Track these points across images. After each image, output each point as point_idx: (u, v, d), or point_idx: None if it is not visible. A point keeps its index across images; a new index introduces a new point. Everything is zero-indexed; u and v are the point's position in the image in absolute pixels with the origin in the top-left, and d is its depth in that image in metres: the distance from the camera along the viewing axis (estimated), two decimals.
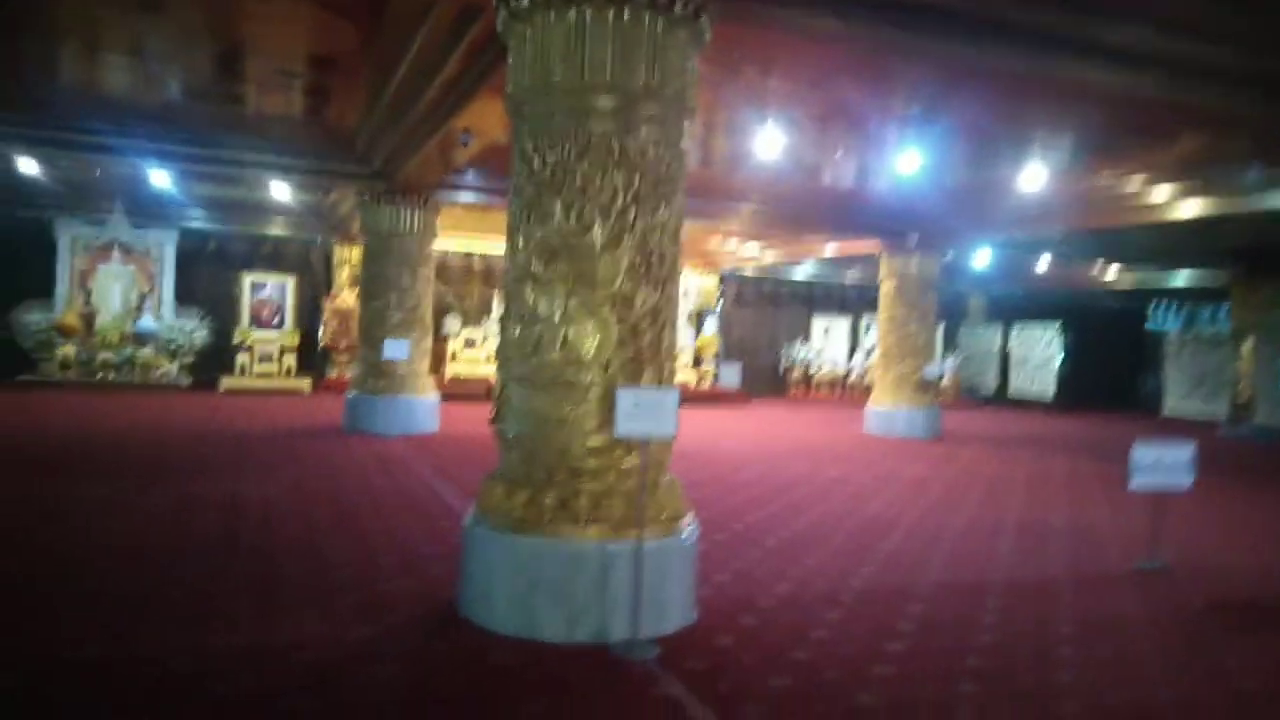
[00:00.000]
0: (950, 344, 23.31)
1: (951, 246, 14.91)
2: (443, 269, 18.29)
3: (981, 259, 17.43)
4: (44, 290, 15.40)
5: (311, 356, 17.60)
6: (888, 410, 13.91)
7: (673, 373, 4.46)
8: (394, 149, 9.93)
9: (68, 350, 14.74)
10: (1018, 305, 23.57)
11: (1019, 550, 6.33)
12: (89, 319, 15.44)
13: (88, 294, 15.66)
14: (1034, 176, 10.16)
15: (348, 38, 7.22)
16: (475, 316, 18.91)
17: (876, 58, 6.87)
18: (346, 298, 17.25)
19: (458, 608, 4.34)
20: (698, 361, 19.85)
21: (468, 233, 17.78)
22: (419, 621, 4.23)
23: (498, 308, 19.00)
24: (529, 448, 4.22)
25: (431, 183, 10.86)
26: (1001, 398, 23.17)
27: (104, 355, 14.87)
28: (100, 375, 14.79)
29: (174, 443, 9.53)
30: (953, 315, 23.16)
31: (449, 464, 8.95)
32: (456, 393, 15.33)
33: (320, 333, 17.77)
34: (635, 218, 4.14)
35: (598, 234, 4.09)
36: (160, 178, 13.23)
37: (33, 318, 14.93)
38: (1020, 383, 22.93)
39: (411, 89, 7.60)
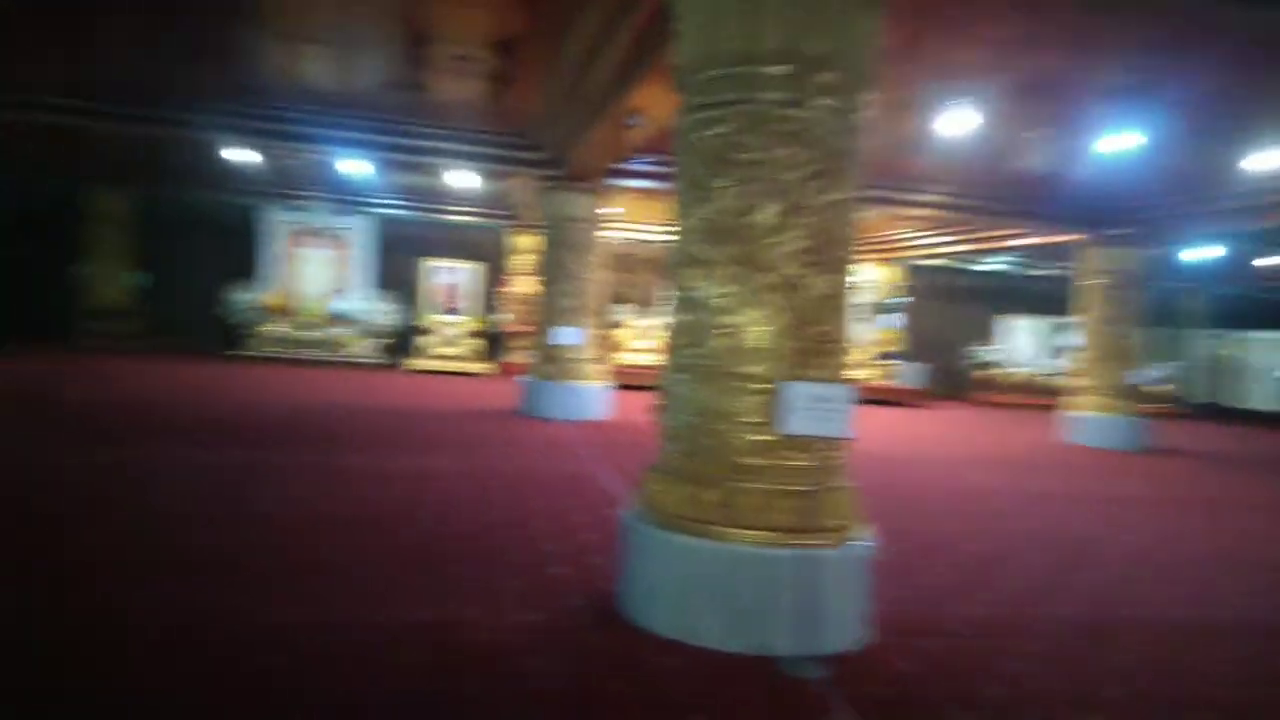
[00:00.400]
0: (1162, 348, 21.16)
1: (1168, 240, 13.43)
2: (614, 257, 18.49)
3: (1201, 254, 15.64)
4: (251, 272, 16.77)
5: (491, 341, 18.24)
6: (1089, 418, 12.71)
7: (845, 367, 4.10)
8: (565, 135, 9.99)
9: (271, 328, 15.97)
10: (1241, 308, 21.07)
11: (1250, 587, 5.49)
12: (290, 299, 16.66)
13: (292, 276, 16.89)
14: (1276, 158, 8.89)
15: (522, 20, 7.25)
16: (645, 305, 18.98)
17: (1087, 19, 6.14)
18: (524, 284, 17.73)
19: (617, 602, 4.19)
20: (877, 358, 19.01)
21: (640, 219, 17.89)
22: (579, 613, 4.11)
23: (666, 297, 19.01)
24: (691, 441, 3.99)
25: (601, 169, 10.85)
26: (1219, 409, 20.81)
27: (303, 334, 16.00)
28: (300, 352, 15.92)
29: (365, 418, 10.03)
30: (1166, 316, 21.01)
31: (615, 452, 8.90)
32: (627, 381, 15.38)
33: (500, 318, 18.39)
34: (807, 197, 3.81)
35: (765, 214, 3.79)
36: (352, 165, 14.06)
37: (240, 297, 16.28)
38: (1241, 393, 20.49)
39: (580, 72, 7.55)
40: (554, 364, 11.24)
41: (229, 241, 17.81)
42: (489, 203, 17.88)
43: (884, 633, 4.03)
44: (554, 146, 10.55)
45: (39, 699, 2.92)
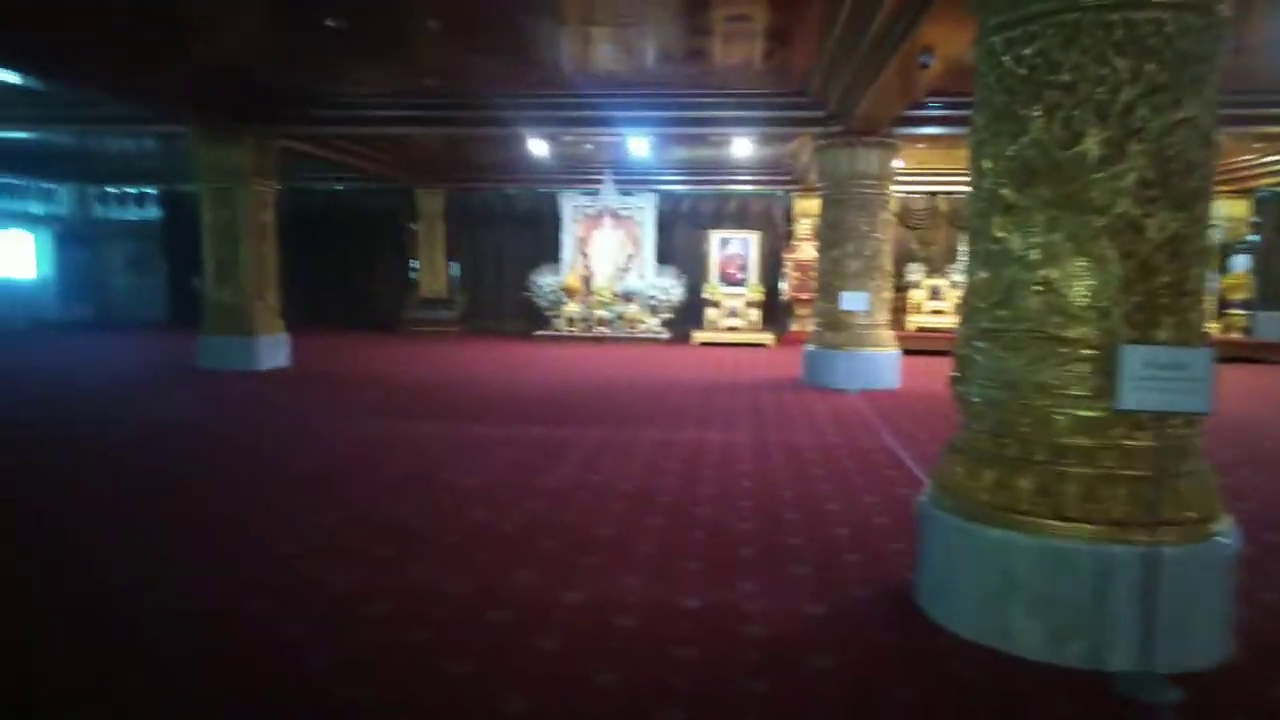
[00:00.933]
0: None
1: None
2: (904, 213, 17.38)
3: None
4: (554, 255, 17.83)
5: (774, 310, 17.99)
6: None
7: (1201, 325, 3.33)
8: (847, 86, 9.36)
9: (571, 308, 16.88)
10: None
11: None
12: (587, 280, 17.51)
13: (586, 258, 17.74)
14: None
15: None
16: (940, 264, 17.68)
17: None
18: (806, 250, 17.23)
19: (914, 596, 3.78)
20: (1223, 308, 16.22)
21: (932, 171, 16.64)
22: (871, 607, 3.76)
23: (964, 252, 17.54)
24: (998, 418, 3.46)
25: (889, 118, 10.07)
26: None
27: (598, 313, 16.73)
28: (596, 330, 16.69)
29: (652, 391, 10.24)
30: None
31: (908, 424, 8.29)
32: (919, 347, 14.43)
33: (782, 286, 18.06)
34: (1147, 117, 3.09)
35: (1092, 143, 3.13)
36: (638, 145, 14.38)
37: (545, 280, 17.35)
38: None
39: (861, 13, 6.96)
40: (840, 330, 10.73)
41: (533, 229, 19.10)
42: (770, 169, 17.56)
43: (1251, 647, 3.26)
44: (836, 101, 9.97)
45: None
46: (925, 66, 6.75)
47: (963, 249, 17.30)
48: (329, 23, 8.04)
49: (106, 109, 10.85)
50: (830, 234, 10.86)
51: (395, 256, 19.76)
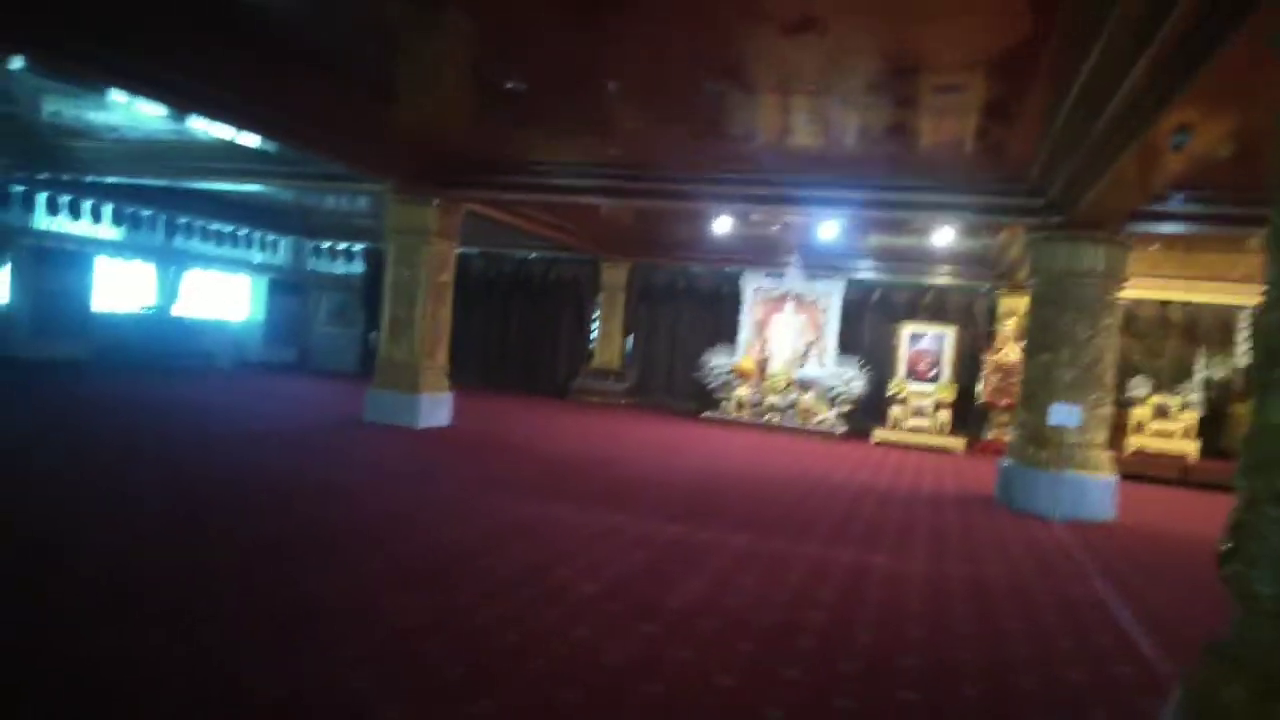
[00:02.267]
0: None
1: None
2: (1129, 320, 15.42)
3: None
4: (730, 337, 17.15)
5: (967, 414, 16.35)
6: None
7: None
8: (1074, 172, 8.17)
9: (742, 392, 16.04)
10: None
11: None
12: (763, 365, 16.66)
13: (764, 341, 16.93)
14: None
15: (1024, 28, 5.86)
16: (1169, 379, 15.47)
17: None
18: (1010, 351, 15.60)
19: None
20: None
21: (1164, 276, 14.67)
22: None
23: (1201, 369, 15.28)
24: None
25: (1121, 212, 8.74)
26: None
27: (771, 399, 15.79)
28: (767, 418, 15.73)
29: (817, 494, 9.19)
30: None
31: (1125, 569, 6.80)
32: (1139, 471, 12.49)
33: (978, 388, 16.42)
34: None
35: None
36: (829, 229, 13.58)
37: (718, 360, 16.65)
38: None
39: (1097, 87, 5.90)
40: (1046, 447, 9.26)
41: (712, 309, 18.60)
42: (970, 262, 16.18)
43: None
44: (1059, 190, 8.78)
45: None
46: (1179, 148, 5.58)
47: (1201, 365, 15.13)
48: (509, 85, 7.88)
49: (322, 168, 11.36)
50: (1040, 337, 9.50)
51: (575, 326, 19.80)
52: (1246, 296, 15.13)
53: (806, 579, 5.71)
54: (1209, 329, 15.71)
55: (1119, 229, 9.12)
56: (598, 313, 19.21)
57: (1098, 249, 9.14)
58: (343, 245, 20.65)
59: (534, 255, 19.86)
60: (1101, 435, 9.39)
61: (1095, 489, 9.17)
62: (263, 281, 20.20)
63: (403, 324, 11.63)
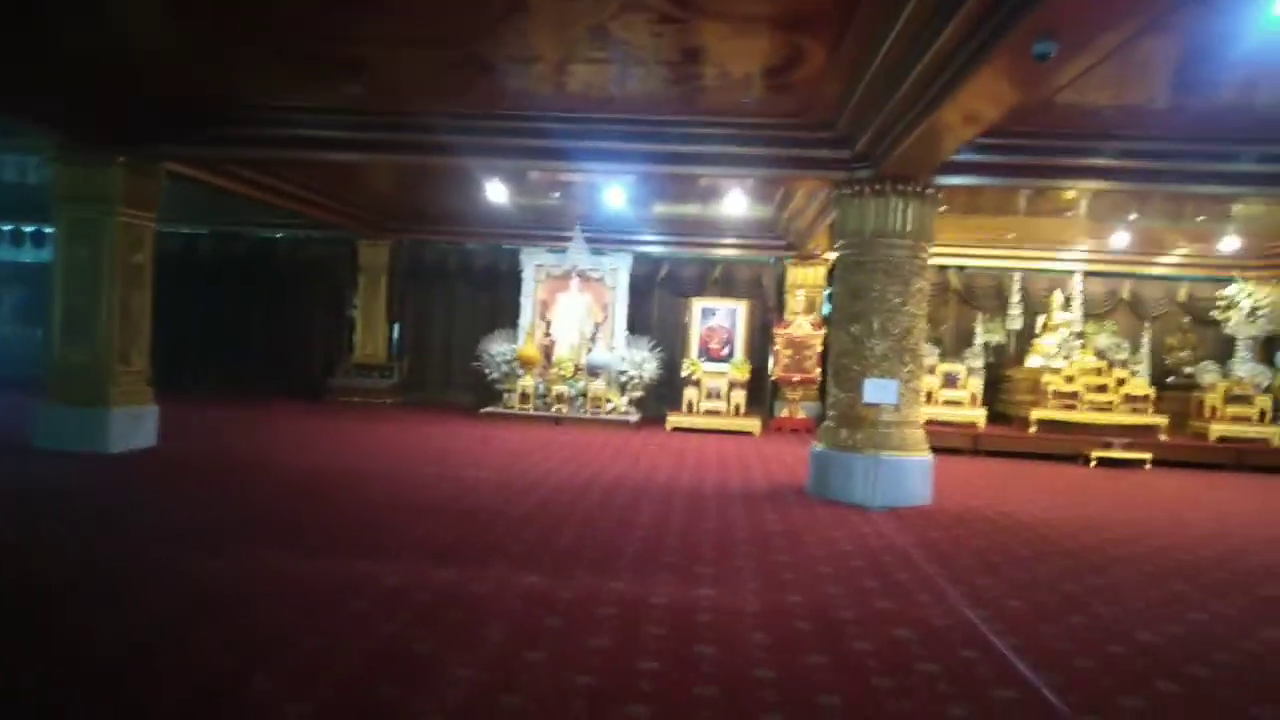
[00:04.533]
0: None
1: None
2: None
3: None
4: (511, 320, 15.45)
5: (760, 392, 15.69)
6: None
7: None
8: (888, 119, 7.24)
9: (526, 382, 14.42)
10: None
11: None
12: (548, 350, 15.12)
13: (547, 324, 15.38)
14: None
15: None
16: (952, 347, 15.58)
17: None
18: (801, 324, 15.06)
19: None
20: (1278, 410, 14.19)
21: (941, 243, 14.65)
22: None
23: (981, 334, 15.47)
24: None
25: (932, 163, 7.96)
26: None
27: (558, 388, 14.29)
28: (554, 409, 14.21)
29: (617, 502, 7.77)
30: None
31: (974, 571, 5.91)
32: (934, 444, 12.18)
33: (770, 365, 15.81)
34: None
35: None
36: (615, 196, 12.22)
37: (498, 348, 14.91)
38: None
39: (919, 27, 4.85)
40: (861, 428, 8.40)
41: (489, 290, 16.80)
42: (758, 232, 15.49)
43: None
44: (869, 138, 7.85)
45: None
46: (1043, 58, 4.55)
47: (980, 331, 15.29)
48: None
49: None
50: (849, 306, 8.60)
51: (331, 315, 17.28)
52: (1018, 260, 15.45)
53: (618, 636, 4.22)
54: (985, 294, 15.97)
55: (928, 181, 8.37)
56: (357, 299, 16.82)
57: (908, 205, 8.33)
58: (29, 227, 16.86)
59: (280, 235, 17.13)
60: (916, 411, 8.68)
61: (914, 471, 8.42)
62: None
63: (81, 318, 8.97)
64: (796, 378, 15.02)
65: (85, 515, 6.34)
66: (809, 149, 8.60)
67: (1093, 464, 11.99)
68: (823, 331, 15.15)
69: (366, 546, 5.75)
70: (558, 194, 13.49)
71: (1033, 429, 12.80)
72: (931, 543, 6.74)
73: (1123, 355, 14.83)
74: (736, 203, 12.45)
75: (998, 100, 6.14)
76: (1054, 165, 8.69)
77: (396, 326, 17.07)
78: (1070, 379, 12.97)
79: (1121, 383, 13.00)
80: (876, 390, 8.11)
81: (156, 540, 5.66)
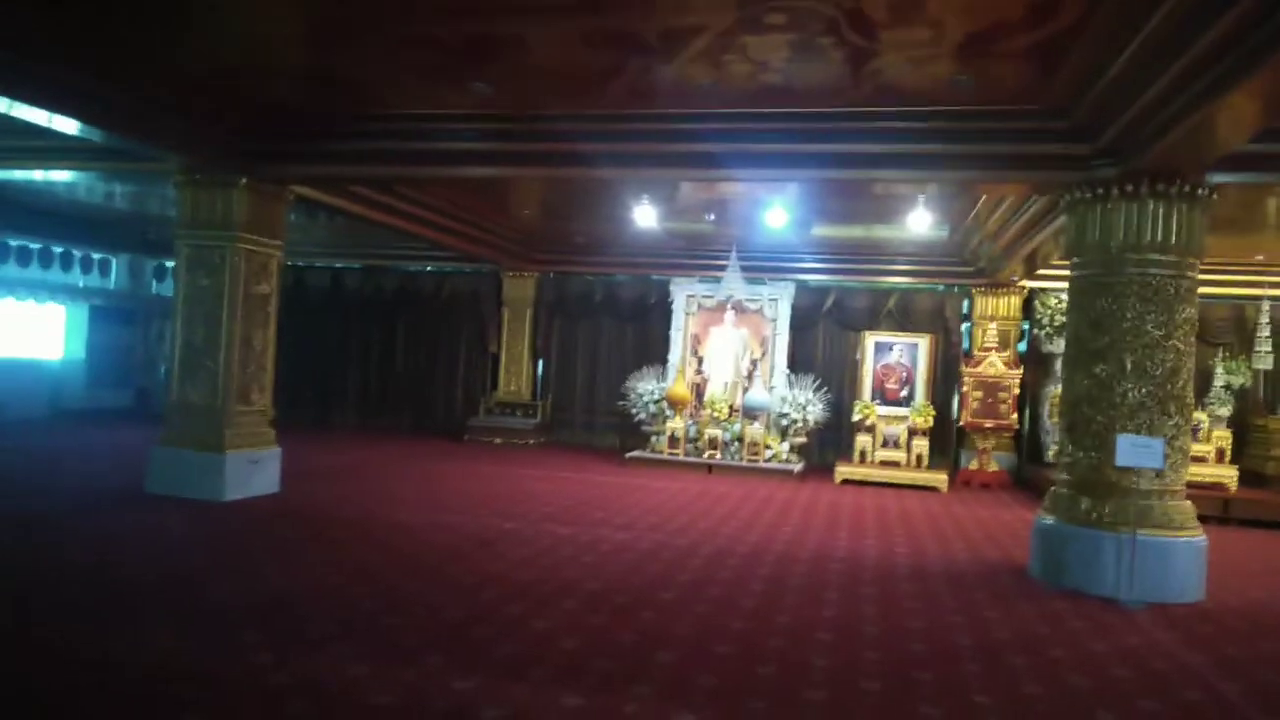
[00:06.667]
0: None
1: None
2: None
3: None
4: (660, 356, 14.18)
5: (943, 441, 13.66)
6: None
7: None
8: (1157, 98, 5.48)
9: (676, 424, 13.04)
10: None
11: None
12: (699, 389, 13.71)
13: (699, 360, 14.00)
14: None
15: None
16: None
17: None
18: (993, 363, 12.99)
19: None
20: None
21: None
22: None
23: (1219, 376, 12.86)
24: None
25: (1210, 156, 6.07)
26: None
27: (711, 431, 12.82)
28: (707, 455, 12.74)
29: (794, 584, 6.21)
30: None
31: (1274, 686, 4.00)
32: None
33: (955, 409, 13.78)
34: None
35: None
36: (777, 216, 10.75)
37: (646, 386, 13.63)
38: None
39: None
40: (1109, 499, 6.47)
41: (636, 323, 15.61)
42: (942, 256, 13.59)
43: None
44: (1120, 128, 6.09)
45: None
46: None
47: (1218, 372, 12.69)
48: None
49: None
50: (1092, 339, 6.71)
51: (475, 351, 16.57)
52: (1265, 287, 12.83)
53: None
54: (1222, 327, 13.35)
55: (1200, 180, 6.44)
56: (502, 334, 16.02)
57: (1172, 210, 6.42)
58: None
59: (429, 268, 16.65)
60: (1183, 478, 6.66)
61: (1184, 556, 6.39)
62: (82, 310, 16.37)
63: (200, 354, 8.31)
64: (989, 424, 12.93)
65: (141, 586, 5.38)
66: (1033, 143, 6.84)
67: None
68: (1019, 371, 13.06)
69: (481, 647, 4.46)
70: (711, 216, 12.14)
71: None
72: (1235, 664, 4.79)
73: None
74: (919, 220, 10.67)
75: None
76: None
77: (540, 363, 16.13)
78: None
79: None
80: (1134, 450, 6.19)
81: (227, 619, 4.59)
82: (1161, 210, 6.39)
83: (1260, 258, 12.05)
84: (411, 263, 16.38)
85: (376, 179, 9.16)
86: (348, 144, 8.07)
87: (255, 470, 8.53)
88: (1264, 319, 12.73)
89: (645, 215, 11.18)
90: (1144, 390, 6.45)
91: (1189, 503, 6.60)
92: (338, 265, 16.77)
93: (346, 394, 16.69)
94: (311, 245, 15.55)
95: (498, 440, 14.90)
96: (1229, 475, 10.80)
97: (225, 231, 8.24)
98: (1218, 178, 6.53)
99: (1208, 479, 10.68)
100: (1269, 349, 12.61)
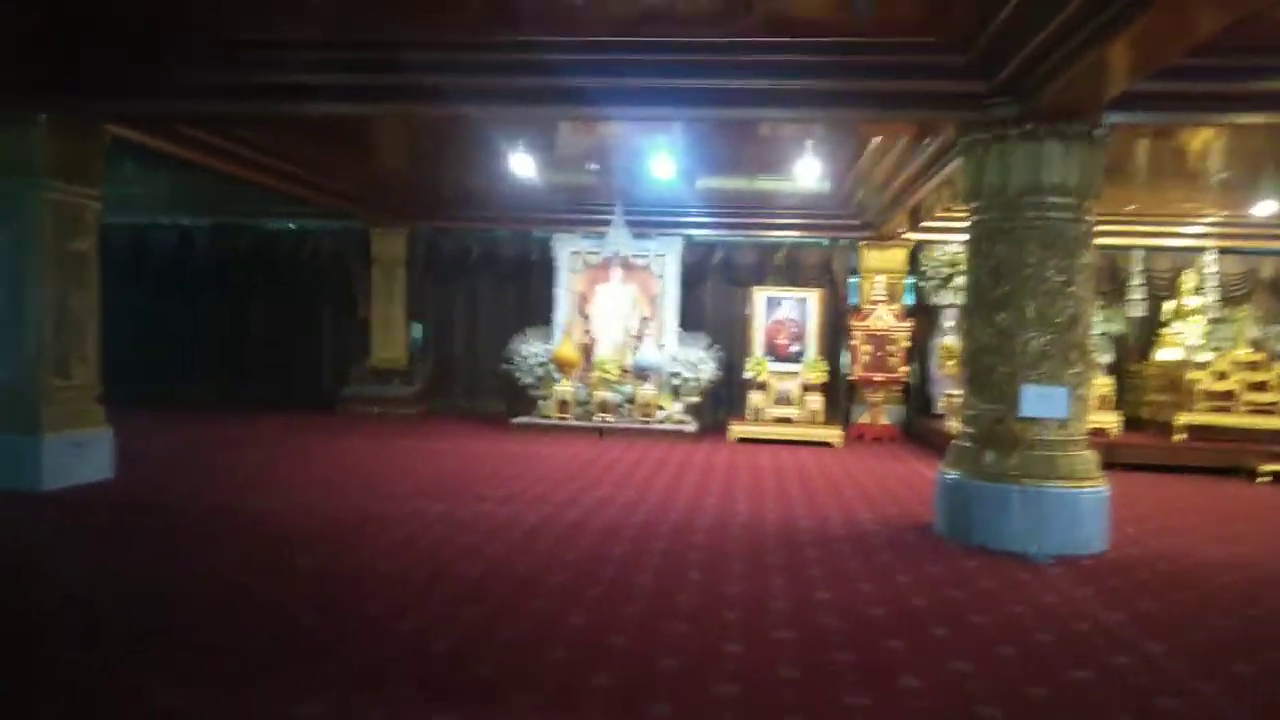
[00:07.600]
0: None
1: None
2: None
3: None
4: (545, 316, 13.47)
5: (835, 395, 13.53)
6: None
7: None
8: (1059, 30, 5.14)
9: (565, 388, 12.40)
10: None
11: None
12: (588, 350, 13.10)
13: (587, 320, 13.36)
14: None
15: None
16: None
17: None
18: (882, 315, 12.90)
19: None
20: None
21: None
22: None
23: (1099, 324, 13.14)
24: None
25: (1110, 93, 5.81)
26: None
27: (602, 394, 12.25)
28: (598, 418, 12.18)
29: (699, 550, 5.73)
30: None
31: (1200, 646, 3.78)
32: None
33: (847, 363, 13.67)
34: None
35: None
36: (662, 167, 10.19)
37: (531, 350, 12.92)
38: None
39: None
40: (1014, 451, 6.25)
41: (518, 281, 14.85)
42: (824, 208, 13.33)
43: None
44: (1020, 63, 5.74)
45: None
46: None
47: (1100, 321, 12.90)
48: None
49: None
50: (993, 287, 6.43)
51: (342, 316, 15.40)
52: (1139, 237, 13.16)
53: None
54: (1099, 277, 13.62)
55: (1097, 119, 6.19)
56: (372, 297, 14.92)
57: (1069, 151, 6.16)
58: None
59: (292, 225, 15.32)
60: (1085, 427, 6.50)
61: (1089, 508, 6.23)
62: None
63: (1, 321, 7.12)
64: (879, 377, 12.89)
65: None
66: (930, 79, 6.46)
67: (1261, 479, 9.69)
68: (908, 324, 13.02)
69: (315, 661, 3.75)
70: (595, 166, 11.46)
71: (1179, 437, 10.50)
72: (1154, 621, 4.58)
73: None
74: (806, 170, 10.25)
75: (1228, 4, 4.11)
76: (1258, 92, 6.51)
77: (417, 326, 15.15)
78: (1223, 375, 10.64)
79: None
80: (1040, 400, 5.97)
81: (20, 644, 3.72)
82: (1059, 151, 6.12)
83: (1132, 208, 12.27)
84: (269, 220, 15.07)
85: (207, 117, 8.01)
86: (172, 76, 6.95)
87: (80, 454, 7.41)
88: (1138, 269, 13.06)
89: (523, 165, 10.39)
90: (1046, 339, 6.21)
91: (1092, 452, 6.45)
92: (184, 223, 15.25)
93: (201, 366, 15.29)
94: (154, 200, 13.99)
95: (375, 410, 13.92)
96: (1112, 421, 11.01)
97: (24, 178, 7.02)
98: (1114, 117, 6.31)
99: (1092, 425, 10.84)
100: (1141, 296, 12.97)
